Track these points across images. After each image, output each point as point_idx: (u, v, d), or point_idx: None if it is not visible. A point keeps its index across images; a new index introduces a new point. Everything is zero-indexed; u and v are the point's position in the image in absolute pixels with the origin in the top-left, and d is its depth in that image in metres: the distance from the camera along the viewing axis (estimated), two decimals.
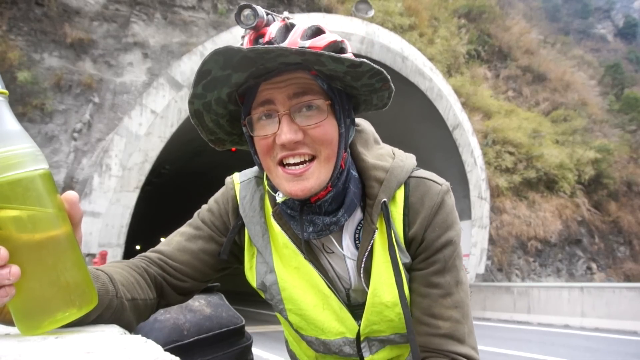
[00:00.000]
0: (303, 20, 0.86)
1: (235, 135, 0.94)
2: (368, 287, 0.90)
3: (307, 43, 0.81)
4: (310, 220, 0.85)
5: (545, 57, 21.95)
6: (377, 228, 0.87)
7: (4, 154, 0.55)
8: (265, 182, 0.97)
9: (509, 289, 12.21)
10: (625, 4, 50.64)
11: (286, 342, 1.14)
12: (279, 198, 0.86)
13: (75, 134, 8.50)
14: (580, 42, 34.50)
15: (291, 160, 0.81)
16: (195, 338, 1.12)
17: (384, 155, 0.93)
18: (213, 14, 10.34)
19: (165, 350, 0.49)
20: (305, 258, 0.91)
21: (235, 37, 9.63)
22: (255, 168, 1.01)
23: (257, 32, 0.84)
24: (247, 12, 0.83)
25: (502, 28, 20.38)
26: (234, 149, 0.99)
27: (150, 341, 0.54)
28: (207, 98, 0.83)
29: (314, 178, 0.81)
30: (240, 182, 0.99)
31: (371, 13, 12.32)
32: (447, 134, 12.86)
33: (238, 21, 0.83)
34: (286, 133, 0.79)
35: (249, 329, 1.28)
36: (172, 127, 8.88)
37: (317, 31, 0.84)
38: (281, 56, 0.75)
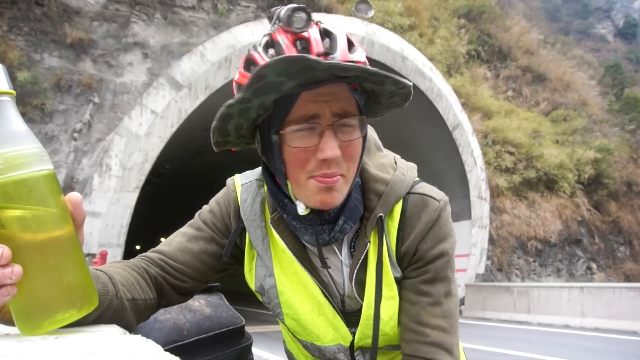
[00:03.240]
0: (335, 27, 0.85)
1: (242, 137, 0.90)
2: (360, 298, 0.90)
3: (355, 57, 0.80)
4: (321, 230, 0.85)
5: (545, 57, 21.94)
6: (369, 242, 0.87)
7: (10, 154, 0.56)
8: (266, 187, 0.96)
9: (509, 289, 12.21)
10: (625, 4, 50.64)
11: (284, 342, 1.14)
12: (302, 211, 0.83)
13: (75, 134, 8.51)
14: (580, 42, 34.50)
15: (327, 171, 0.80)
16: (195, 338, 1.12)
17: (386, 166, 0.93)
18: (213, 14, 10.33)
19: (165, 350, 0.49)
20: (302, 265, 0.90)
21: (235, 36, 9.63)
22: (257, 170, 1.01)
23: (296, 35, 0.80)
24: (301, 15, 0.80)
25: (502, 28, 20.37)
26: (233, 149, 0.98)
27: (150, 341, 0.54)
28: (251, 102, 0.77)
29: (339, 191, 0.81)
30: (242, 185, 0.98)
31: (371, 13, 12.31)
32: (447, 134, 12.85)
33: (289, 22, 0.80)
34: (332, 148, 0.77)
35: (249, 329, 1.28)
36: (172, 127, 8.88)
37: (350, 41, 0.84)
38: (343, 70, 0.74)
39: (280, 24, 0.81)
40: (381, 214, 0.86)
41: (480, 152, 13.73)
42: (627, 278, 16.02)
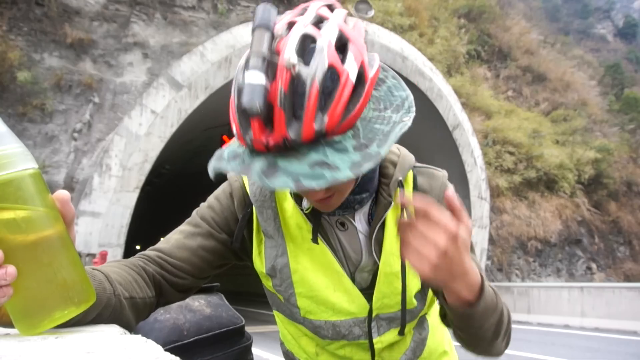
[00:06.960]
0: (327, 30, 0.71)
1: None
2: (379, 259, 0.93)
3: (325, 120, 0.68)
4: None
5: (545, 57, 21.94)
6: (392, 201, 0.92)
7: None
8: None
9: (509, 289, 12.21)
10: (625, 4, 50.67)
11: (281, 343, 1.14)
12: (307, 205, 0.90)
13: (75, 134, 8.51)
14: (580, 42, 34.50)
15: None
16: (195, 338, 1.12)
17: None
18: (213, 14, 10.33)
19: (165, 350, 0.49)
20: (320, 236, 0.93)
21: (235, 36, 9.62)
22: None
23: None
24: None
25: (502, 28, 20.38)
26: None
27: (150, 341, 0.54)
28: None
29: (336, 200, 0.84)
30: None
31: (371, 13, 12.31)
32: (447, 134, 12.85)
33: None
34: (313, 197, 0.82)
35: (249, 329, 1.28)
36: (172, 127, 8.88)
37: (335, 76, 0.70)
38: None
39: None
40: (400, 178, 0.93)
41: (481, 152, 13.73)
42: (627, 278, 16.02)
